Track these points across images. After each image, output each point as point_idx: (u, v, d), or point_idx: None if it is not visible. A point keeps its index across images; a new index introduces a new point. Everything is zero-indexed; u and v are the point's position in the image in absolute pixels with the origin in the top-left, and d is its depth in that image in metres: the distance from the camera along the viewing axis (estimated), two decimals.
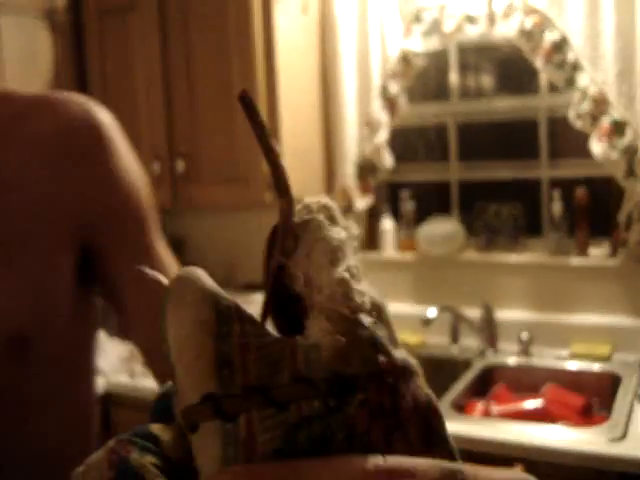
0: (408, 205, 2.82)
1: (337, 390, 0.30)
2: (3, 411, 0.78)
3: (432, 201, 2.94)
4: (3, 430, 0.78)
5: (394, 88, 2.69)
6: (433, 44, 2.65)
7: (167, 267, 0.90)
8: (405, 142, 2.89)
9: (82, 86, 2.91)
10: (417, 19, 2.62)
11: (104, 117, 0.86)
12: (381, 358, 0.31)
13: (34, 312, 0.79)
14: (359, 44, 2.73)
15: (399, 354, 0.32)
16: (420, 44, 2.64)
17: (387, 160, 2.77)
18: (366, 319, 0.31)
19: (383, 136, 2.73)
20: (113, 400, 2.56)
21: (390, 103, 2.71)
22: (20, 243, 0.78)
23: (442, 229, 2.77)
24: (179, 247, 3.26)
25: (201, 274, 0.33)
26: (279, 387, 0.30)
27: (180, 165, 2.74)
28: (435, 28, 2.60)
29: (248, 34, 2.50)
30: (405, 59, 2.65)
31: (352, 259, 0.33)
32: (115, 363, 2.63)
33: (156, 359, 0.87)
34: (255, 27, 2.49)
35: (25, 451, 0.80)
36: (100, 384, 2.56)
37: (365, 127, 2.74)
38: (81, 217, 0.83)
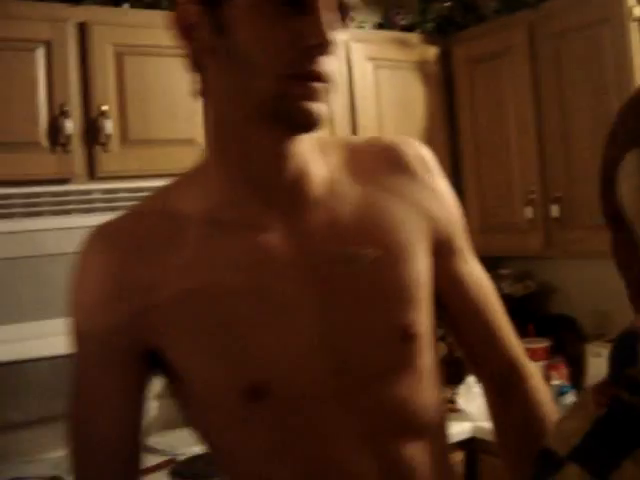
0: None
1: None
2: (406, 385, 0.98)
3: None
4: (411, 399, 0.99)
5: None
6: None
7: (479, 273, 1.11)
8: None
9: (453, 133, 2.99)
10: None
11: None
12: None
13: (415, 307, 0.99)
14: None
15: None
16: None
17: None
18: None
19: None
20: (478, 446, 2.54)
21: None
22: (405, 249, 0.99)
23: None
24: (548, 294, 3.16)
25: None
26: None
27: (555, 210, 2.66)
28: None
29: (627, 70, 2.37)
30: None
31: None
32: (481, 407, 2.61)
33: None
34: (635, 62, 2.35)
35: (420, 416, 1.01)
36: (467, 428, 2.56)
37: None
38: (431, 228, 1.03)
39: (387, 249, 0.97)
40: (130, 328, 0.93)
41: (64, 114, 2.15)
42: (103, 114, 2.21)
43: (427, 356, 1.02)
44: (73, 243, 2.09)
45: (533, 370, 1.15)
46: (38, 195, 2.08)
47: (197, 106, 2.47)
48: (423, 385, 1.02)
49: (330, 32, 0.84)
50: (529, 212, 2.71)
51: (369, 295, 0.96)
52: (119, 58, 2.27)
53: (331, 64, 0.87)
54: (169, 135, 2.35)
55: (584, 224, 2.59)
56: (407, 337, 0.99)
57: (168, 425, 2.68)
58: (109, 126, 2.21)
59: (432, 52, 2.97)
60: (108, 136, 2.21)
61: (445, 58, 2.99)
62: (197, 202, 0.96)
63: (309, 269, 0.95)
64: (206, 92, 0.95)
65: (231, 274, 0.93)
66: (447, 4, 3.00)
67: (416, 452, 0.99)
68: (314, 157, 0.98)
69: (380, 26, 3.03)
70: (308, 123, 0.88)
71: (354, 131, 2.73)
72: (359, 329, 0.96)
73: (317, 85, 0.86)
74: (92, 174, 2.22)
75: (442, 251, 1.05)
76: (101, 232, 0.97)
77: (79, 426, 1.01)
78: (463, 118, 2.97)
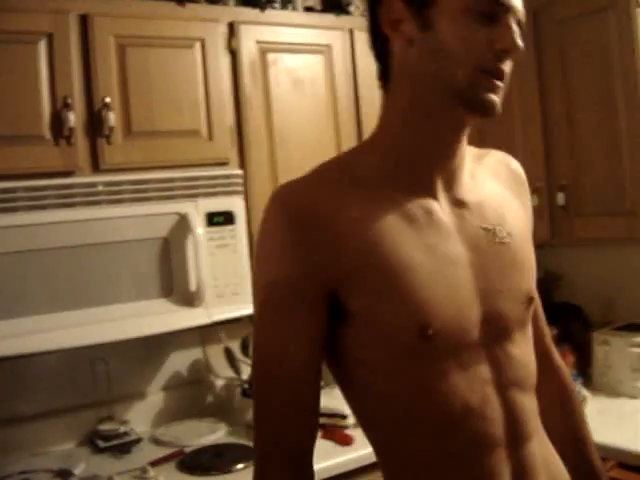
0: None
1: None
2: (525, 342, 1.20)
3: None
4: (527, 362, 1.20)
5: None
6: None
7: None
8: None
9: None
10: None
11: None
12: None
13: (533, 277, 1.24)
14: None
15: None
16: None
17: None
18: None
19: None
20: None
21: None
22: (525, 233, 1.25)
23: None
24: (554, 282, 3.15)
25: None
26: None
27: (560, 198, 2.65)
28: None
29: (632, 56, 2.36)
30: None
31: None
32: None
33: None
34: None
35: (532, 371, 1.22)
36: None
37: None
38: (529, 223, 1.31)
39: (516, 230, 1.21)
40: (320, 275, 1.07)
41: (67, 106, 2.13)
42: (106, 106, 2.19)
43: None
44: (78, 236, 2.13)
45: (562, 363, 1.44)
46: (42, 188, 2.07)
47: (200, 97, 2.47)
48: (531, 344, 1.23)
49: (518, 40, 1.07)
50: (534, 200, 2.69)
51: (507, 263, 1.17)
52: (121, 50, 2.25)
53: (510, 67, 1.10)
54: (173, 127, 2.33)
55: (590, 212, 2.59)
56: (530, 301, 1.21)
57: (175, 417, 2.68)
58: (112, 118, 2.20)
59: None
60: (111, 128, 2.20)
61: None
62: (375, 166, 1.13)
63: (466, 236, 1.15)
64: (394, 77, 1.14)
65: (406, 228, 1.10)
66: None
67: (530, 404, 1.18)
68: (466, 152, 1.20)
69: None
70: (489, 111, 1.09)
71: (358, 120, 2.71)
72: (501, 289, 1.15)
73: (499, 82, 1.09)
74: (96, 166, 2.21)
75: None
76: (285, 192, 1.11)
77: (271, 365, 1.11)
78: None
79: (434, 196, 1.14)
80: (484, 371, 1.12)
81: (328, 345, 1.12)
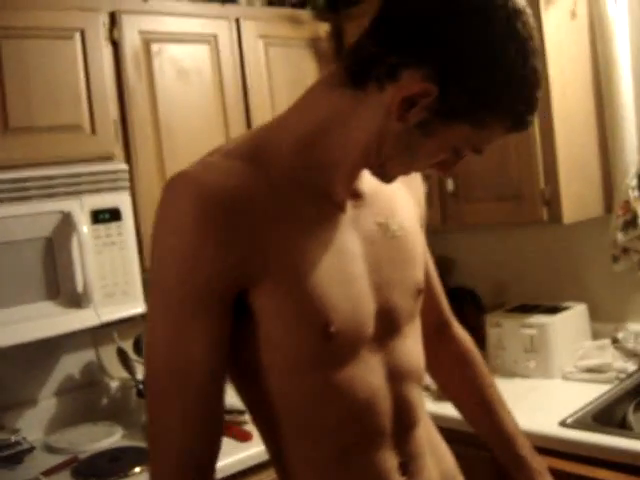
0: None
1: None
2: (413, 334, 1.23)
3: None
4: None
5: None
6: None
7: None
8: None
9: None
10: None
11: None
12: None
13: (421, 269, 1.26)
14: (633, 46, 2.52)
15: None
16: None
17: None
18: None
19: None
20: None
21: None
22: (413, 225, 1.29)
23: None
24: (448, 267, 3.21)
25: None
26: None
27: (450, 184, 2.69)
28: None
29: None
30: None
31: None
32: None
33: None
34: None
35: (419, 363, 1.24)
36: None
37: None
38: (419, 214, 1.35)
39: (404, 226, 1.21)
40: (234, 272, 1.01)
41: None
42: None
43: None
44: None
45: (463, 332, 1.50)
46: None
47: (82, 90, 2.37)
48: (419, 334, 1.25)
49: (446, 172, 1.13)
50: (425, 187, 2.73)
51: (397, 256, 1.19)
52: None
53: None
54: (53, 121, 2.23)
55: (479, 197, 2.64)
56: (419, 293, 1.23)
57: (69, 422, 2.59)
58: None
59: (324, 29, 2.94)
60: None
61: (337, 35, 2.96)
62: (287, 160, 1.07)
63: (361, 230, 1.14)
64: (362, 104, 1.04)
65: (310, 227, 1.08)
66: None
67: (417, 393, 1.20)
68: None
69: (270, 3, 2.98)
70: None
71: (247, 110, 2.68)
72: (393, 282, 1.17)
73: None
74: None
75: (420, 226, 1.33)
76: (194, 175, 1.02)
77: (170, 372, 1.02)
78: None
79: (335, 191, 1.11)
80: (377, 365, 1.13)
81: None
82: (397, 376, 1.16)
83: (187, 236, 0.98)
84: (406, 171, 1.12)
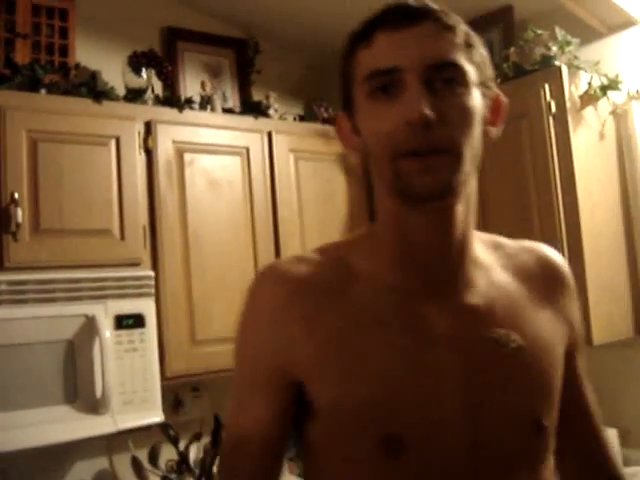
0: None
1: None
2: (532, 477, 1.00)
3: None
4: None
5: None
6: None
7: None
8: None
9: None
10: None
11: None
12: None
13: (549, 400, 1.03)
14: None
15: None
16: None
17: None
18: None
19: None
20: None
21: None
22: (547, 345, 1.04)
23: None
24: None
25: None
26: None
27: None
28: None
29: (547, 163, 2.43)
30: None
31: None
32: None
33: None
34: (552, 156, 2.41)
35: None
36: None
37: None
38: (568, 334, 1.13)
39: (532, 341, 1.01)
40: (284, 353, 1.00)
41: None
42: (14, 202, 2.11)
43: (551, 451, 1.04)
44: None
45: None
46: None
47: (113, 196, 2.41)
48: (545, 476, 1.03)
49: (422, 104, 0.88)
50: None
51: (511, 380, 0.99)
52: (33, 144, 2.20)
53: (444, 133, 0.89)
54: (83, 225, 2.26)
55: None
56: (541, 429, 1.00)
57: None
58: (20, 214, 2.12)
59: None
60: (18, 225, 2.12)
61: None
62: (366, 262, 1.03)
63: (459, 343, 0.98)
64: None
65: (388, 331, 0.98)
66: None
67: None
68: (473, 241, 1.04)
69: (302, 118, 3.05)
70: (425, 196, 0.92)
71: (275, 223, 2.69)
72: (499, 410, 0.97)
73: (430, 159, 0.90)
74: (0, 264, 2.11)
75: (569, 351, 1.11)
76: (273, 269, 1.06)
77: (241, 432, 1.05)
78: None
79: (425, 297, 1.00)
80: None
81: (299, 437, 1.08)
82: None
83: (263, 316, 1.03)
84: (389, 164, 0.95)
